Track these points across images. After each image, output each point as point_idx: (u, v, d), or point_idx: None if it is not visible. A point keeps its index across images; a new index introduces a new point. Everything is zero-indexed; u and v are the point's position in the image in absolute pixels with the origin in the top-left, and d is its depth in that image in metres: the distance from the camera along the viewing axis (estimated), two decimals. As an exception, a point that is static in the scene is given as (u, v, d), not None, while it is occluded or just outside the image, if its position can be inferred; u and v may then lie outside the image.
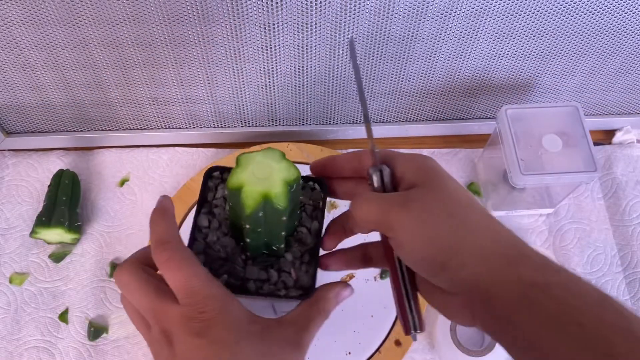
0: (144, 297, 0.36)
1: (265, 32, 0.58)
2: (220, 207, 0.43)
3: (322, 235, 0.43)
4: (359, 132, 0.75)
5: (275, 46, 0.60)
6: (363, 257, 0.42)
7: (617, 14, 0.58)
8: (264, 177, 0.37)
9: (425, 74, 0.66)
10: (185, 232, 0.41)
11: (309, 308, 0.40)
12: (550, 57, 0.65)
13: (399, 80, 0.67)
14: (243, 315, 0.36)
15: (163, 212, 0.39)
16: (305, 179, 0.44)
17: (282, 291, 0.42)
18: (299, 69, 0.64)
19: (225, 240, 0.43)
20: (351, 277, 0.65)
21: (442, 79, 0.67)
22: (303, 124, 0.74)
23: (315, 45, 0.60)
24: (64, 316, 0.64)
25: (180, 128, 0.74)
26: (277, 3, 0.54)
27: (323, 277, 0.43)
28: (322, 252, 0.43)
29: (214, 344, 0.34)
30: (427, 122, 0.75)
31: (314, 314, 0.40)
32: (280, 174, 0.37)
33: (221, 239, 0.42)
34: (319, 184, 0.45)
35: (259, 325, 0.36)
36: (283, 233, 0.40)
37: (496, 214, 0.71)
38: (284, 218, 0.38)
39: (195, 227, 0.43)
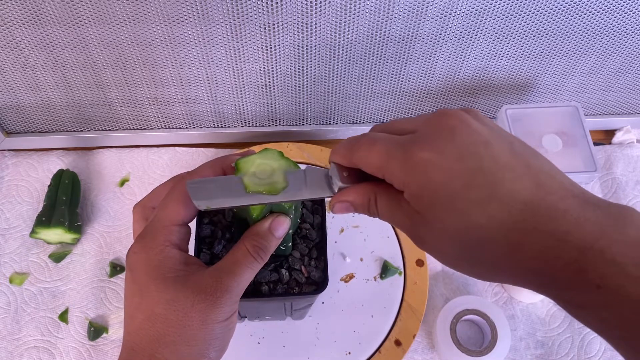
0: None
1: (265, 32, 0.58)
2: (220, 215, 0.43)
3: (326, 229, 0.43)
4: (359, 132, 0.75)
5: (275, 46, 0.60)
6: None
7: (617, 14, 0.58)
8: (267, 178, 0.37)
9: (425, 74, 0.66)
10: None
11: (236, 249, 0.37)
12: (550, 57, 0.65)
13: (399, 80, 0.67)
14: (172, 261, 0.36)
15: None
16: None
17: (295, 289, 0.42)
18: (298, 69, 0.64)
19: (231, 247, 0.42)
20: (351, 277, 0.65)
21: (442, 79, 0.67)
22: (303, 124, 0.74)
23: (315, 45, 0.60)
24: (64, 316, 0.64)
25: (180, 128, 0.74)
26: (277, 3, 0.54)
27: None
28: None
29: (134, 283, 0.36)
30: (427, 122, 0.75)
31: (239, 255, 0.37)
32: (282, 173, 0.37)
33: (227, 246, 0.43)
34: None
35: (181, 272, 0.36)
36: (290, 231, 0.40)
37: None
38: (291, 216, 0.38)
39: (199, 238, 0.43)
